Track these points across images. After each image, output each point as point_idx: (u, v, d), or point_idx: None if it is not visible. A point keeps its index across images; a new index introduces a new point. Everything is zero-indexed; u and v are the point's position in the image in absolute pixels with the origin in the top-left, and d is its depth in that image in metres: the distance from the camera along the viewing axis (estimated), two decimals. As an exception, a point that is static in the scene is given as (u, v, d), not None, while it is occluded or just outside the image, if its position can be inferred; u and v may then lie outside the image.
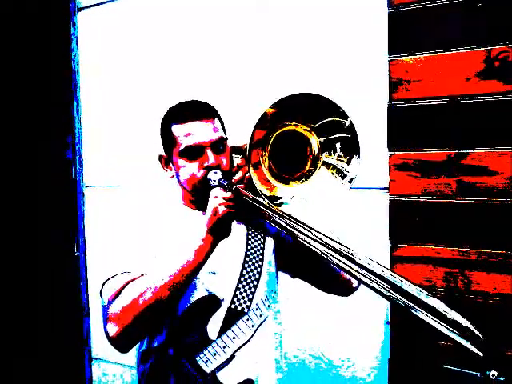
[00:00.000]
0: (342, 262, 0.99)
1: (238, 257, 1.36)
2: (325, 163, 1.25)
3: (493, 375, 0.82)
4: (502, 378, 0.82)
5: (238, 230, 1.38)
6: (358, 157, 1.21)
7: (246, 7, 2.16)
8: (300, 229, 1.08)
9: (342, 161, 1.23)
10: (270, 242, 1.44)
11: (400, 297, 0.89)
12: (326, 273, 1.38)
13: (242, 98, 2.14)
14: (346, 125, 1.19)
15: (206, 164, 1.28)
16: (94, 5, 2.61)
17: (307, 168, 1.26)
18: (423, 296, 0.88)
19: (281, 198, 1.23)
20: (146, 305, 1.15)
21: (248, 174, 1.18)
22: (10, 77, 2.82)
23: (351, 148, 1.21)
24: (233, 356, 1.30)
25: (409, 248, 1.74)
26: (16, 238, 2.89)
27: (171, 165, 1.36)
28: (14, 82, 2.81)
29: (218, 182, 1.24)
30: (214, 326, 1.29)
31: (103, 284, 1.25)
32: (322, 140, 1.24)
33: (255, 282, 1.35)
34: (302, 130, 1.24)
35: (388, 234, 1.78)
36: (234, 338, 1.30)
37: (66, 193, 2.72)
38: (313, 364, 2.09)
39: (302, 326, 2.07)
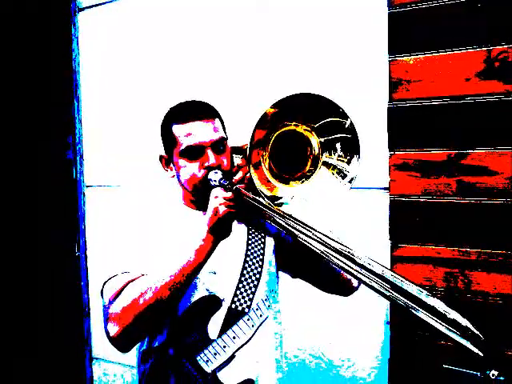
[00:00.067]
0: (342, 261, 0.99)
1: (238, 257, 1.36)
2: (325, 163, 1.25)
3: (493, 375, 0.82)
4: (501, 378, 0.82)
5: (239, 230, 1.38)
6: (359, 157, 1.21)
7: (245, 7, 2.16)
8: (300, 229, 1.08)
9: (343, 161, 1.23)
10: (270, 242, 1.44)
11: (400, 297, 0.89)
12: (327, 273, 1.38)
13: (243, 98, 2.14)
14: (347, 125, 1.19)
15: (206, 164, 1.28)
16: (95, 5, 2.61)
17: (307, 168, 1.27)
18: (423, 296, 0.88)
19: (281, 198, 1.23)
20: (147, 305, 1.15)
21: (248, 174, 1.18)
22: (10, 77, 2.82)
23: (351, 148, 1.21)
24: (233, 356, 1.30)
25: (409, 248, 1.74)
26: (17, 238, 2.89)
27: (172, 165, 1.36)
28: (15, 82, 2.82)
29: (219, 182, 1.24)
30: (214, 326, 1.29)
31: (104, 284, 1.26)
32: (322, 140, 1.24)
33: (255, 282, 1.35)
34: (302, 130, 1.24)
35: (388, 234, 1.78)
36: (234, 337, 1.30)
37: (67, 193, 2.72)
38: (313, 364, 2.09)
39: (303, 326, 2.07)
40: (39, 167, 2.81)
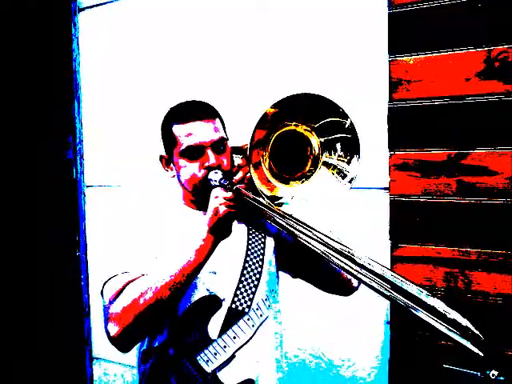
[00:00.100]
0: (342, 261, 0.99)
1: (238, 257, 1.36)
2: (325, 163, 1.25)
3: (493, 375, 0.82)
4: (502, 378, 0.82)
5: (239, 230, 1.38)
6: (359, 157, 1.21)
7: (245, 7, 2.16)
8: (300, 229, 1.08)
9: (343, 161, 1.23)
10: (270, 242, 1.44)
11: (400, 297, 0.90)
12: (327, 272, 1.39)
13: (243, 98, 2.14)
14: (347, 125, 1.19)
15: (206, 164, 1.28)
16: (95, 5, 2.61)
17: (308, 168, 1.27)
18: (423, 296, 0.88)
19: (281, 197, 1.23)
20: (147, 304, 1.15)
21: (249, 174, 1.18)
22: (11, 77, 2.82)
23: (351, 148, 1.21)
24: (233, 356, 1.31)
25: (409, 248, 1.74)
26: (17, 238, 2.89)
27: (172, 165, 1.36)
28: (15, 82, 2.82)
29: (219, 182, 1.24)
30: (214, 326, 1.29)
31: (104, 284, 1.26)
32: (322, 140, 1.24)
33: (256, 282, 1.35)
34: (302, 130, 1.24)
35: (388, 234, 1.78)
36: (234, 337, 1.30)
37: (67, 193, 2.72)
38: (313, 364, 2.09)
39: (303, 326, 2.07)
40: (39, 167, 2.81)
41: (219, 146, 1.30)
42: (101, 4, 2.59)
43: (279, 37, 2.07)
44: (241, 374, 1.32)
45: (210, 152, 1.28)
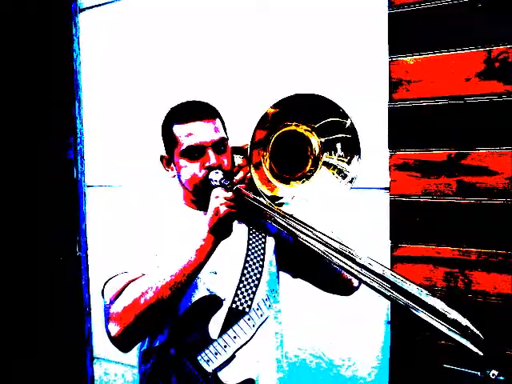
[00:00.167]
0: (342, 261, 0.99)
1: (239, 256, 1.37)
2: (325, 163, 1.25)
3: (493, 374, 0.82)
4: (502, 378, 0.82)
5: (239, 230, 1.38)
6: (359, 157, 1.21)
7: (245, 7, 2.16)
8: (301, 229, 1.08)
9: (343, 161, 1.23)
10: (270, 242, 1.44)
11: (400, 296, 0.90)
12: (327, 272, 1.39)
13: (243, 99, 2.14)
14: (347, 125, 1.19)
15: (207, 164, 1.28)
16: (96, 5, 2.61)
17: (308, 168, 1.27)
18: (423, 295, 0.88)
19: (282, 198, 1.23)
20: (148, 304, 1.15)
21: (249, 174, 1.18)
22: (11, 78, 2.82)
23: (352, 148, 1.21)
24: (234, 355, 1.31)
25: (409, 248, 1.74)
26: (18, 238, 2.89)
27: (172, 165, 1.37)
28: (16, 82, 2.82)
29: (220, 182, 1.25)
30: (215, 326, 1.30)
31: (105, 284, 1.26)
32: (322, 140, 1.24)
33: (256, 282, 1.35)
34: (302, 131, 1.24)
35: (388, 234, 1.78)
36: (235, 337, 1.31)
37: (68, 193, 2.72)
38: (313, 363, 2.09)
39: (303, 326, 2.07)
40: (40, 167, 2.81)
41: (220, 146, 1.31)
42: (101, 4, 2.59)
43: (279, 37, 2.07)
44: (241, 374, 1.32)
45: (210, 152, 1.28)
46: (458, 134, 1.63)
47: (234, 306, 1.32)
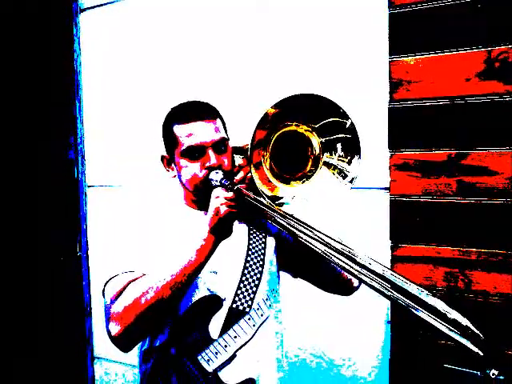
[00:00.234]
0: (342, 261, 0.99)
1: (239, 256, 1.37)
2: (326, 163, 1.26)
3: (493, 374, 0.83)
4: (502, 377, 0.82)
5: (240, 230, 1.38)
6: (359, 157, 1.21)
7: (245, 7, 2.16)
8: (301, 228, 1.08)
9: (343, 161, 1.24)
10: (271, 242, 1.44)
11: (401, 296, 0.90)
12: (327, 272, 1.39)
13: (244, 99, 2.15)
14: (347, 125, 1.20)
15: (207, 164, 1.28)
16: (97, 6, 2.61)
17: (308, 168, 1.27)
18: (423, 295, 0.88)
19: (282, 197, 1.23)
20: (148, 304, 1.15)
21: (249, 174, 1.18)
22: (12, 78, 2.83)
23: (352, 148, 1.22)
24: (234, 355, 1.31)
25: (409, 248, 1.74)
26: (19, 238, 2.90)
27: (173, 165, 1.37)
28: (17, 83, 2.82)
29: (220, 182, 1.25)
30: (215, 326, 1.30)
31: (105, 283, 1.26)
32: (323, 140, 1.25)
33: (256, 282, 1.36)
34: (303, 131, 1.25)
35: (388, 234, 1.78)
36: (235, 337, 1.31)
37: (69, 193, 2.73)
38: (314, 363, 2.10)
39: (303, 325, 2.07)
40: (41, 167, 2.82)
41: (220, 146, 1.31)
42: (102, 5, 2.59)
43: (279, 37, 2.08)
44: (242, 374, 1.32)
45: (210, 152, 1.28)
46: (458, 134, 1.63)
47: (234, 305, 1.32)
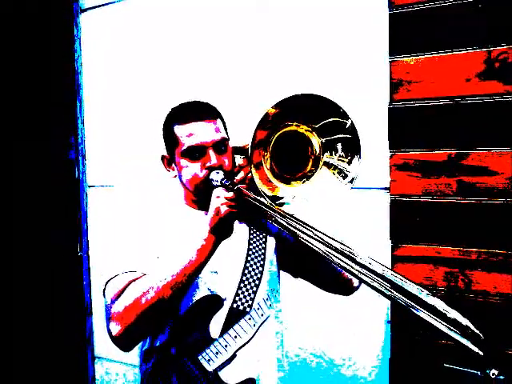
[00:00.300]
0: (343, 261, 0.99)
1: (239, 256, 1.37)
2: (326, 163, 1.26)
3: (493, 374, 0.83)
4: (502, 377, 0.82)
5: (240, 230, 1.39)
6: (359, 157, 1.21)
7: (245, 7, 2.16)
8: (301, 228, 1.08)
9: (343, 161, 1.24)
10: (271, 242, 1.44)
11: (401, 296, 0.90)
12: (327, 272, 1.39)
13: (244, 99, 2.15)
14: (347, 125, 1.20)
15: (208, 164, 1.28)
16: (97, 6, 2.62)
17: (308, 168, 1.27)
18: (424, 295, 0.88)
19: (282, 197, 1.24)
20: (149, 304, 1.16)
21: (250, 174, 1.18)
22: (13, 78, 2.83)
23: (352, 148, 1.22)
24: (235, 355, 1.31)
25: (409, 248, 1.74)
26: (19, 238, 2.90)
27: (173, 165, 1.37)
28: (17, 83, 2.82)
29: (220, 182, 1.25)
30: (216, 325, 1.30)
31: (106, 283, 1.26)
32: (323, 140, 1.25)
33: (257, 282, 1.36)
34: (303, 131, 1.25)
35: (389, 234, 1.78)
36: (235, 336, 1.31)
37: (69, 193, 2.73)
38: (314, 363, 2.10)
39: (304, 325, 2.08)
40: (42, 167, 2.82)
41: (220, 146, 1.31)
42: (103, 5, 2.60)
43: (280, 37, 2.08)
44: (242, 373, 1.32)
45: (211, 152, 1.29)
46: (458, 134, 1.64)
47: (234, 305, 1.32)
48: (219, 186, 1.24)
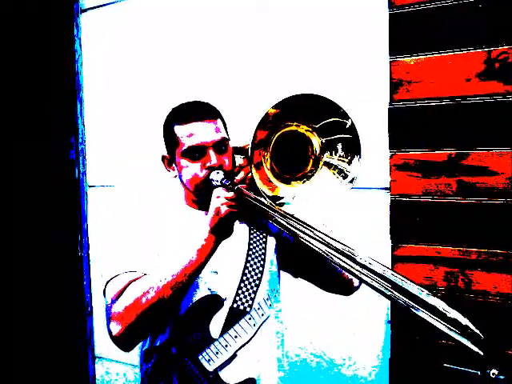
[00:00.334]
0: (343, 261, 1.00)
1: (240, 256, 1.37)
2: (326, 163, 1.26)
3: (493, 374, 0.83)
4: (502, 377, 0.83)
5: (240, 230, 1.39)
6: (359, 157, 1.21)
7: (245, 7, 2.17)
8: (301, 228, 1.09)
9: (344, 161, 1.24)
10: (271, 242, 1.44)
11: (401, 296, 0.90)
12: (328, 272, 1.39)
13: (244, 99, 2.15)
14: (348, 125, 1.20)
15: (208, 164, 1.28)
16: (98, 6, 2.62)
17: (309, 168, 1.27)
18: (424, 295, 0.88)
19: (282, 197, 1.24)
20: (149, 304, 1.16)
21: (250, 174, 1.19)
22: (13, 79, 2.83)
23: (352, 148, 1.22)
24: (235, 355, 1.31)
25: (410, 248, 1.74)
26: (19, 238, 2.90)
27: (174, 165, 1.37)
28: (18, 83, 2.82)
29: (221, 182, 1.25)
30: (216, 325, 1.30)
31: (106, 283, 1.26)
32: (323, 140, 1.25)
33: (257, 282, 1.36)
34: (303, 131, 1.25)
35: (389, 234, 1.79)
36: (236, 336, 1.31)
37: (70, 193, 2.73)
38: (314, 363, 2.10)
39: (304, 325, 2.08)
40: (42, 167, 2.82)
41: (221, 146, 1.31)
42: (103, 5, 2.60)
43: (280, 37, 2.08)
44: (242, 373, 1.32)
45: (211, 152, 1.29)
46: (458, 134, 1.64)
47: (235, 305, 1.32)
48: (219, 186, 1.24)
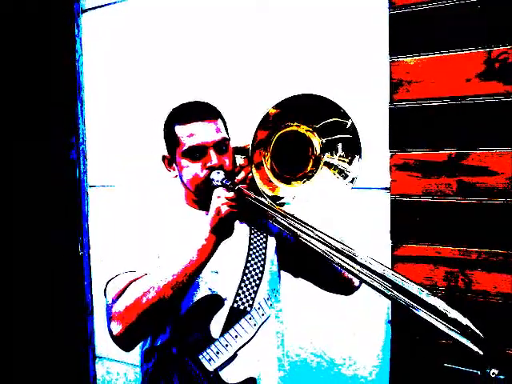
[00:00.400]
0: (343, 261, 1.00)
1: (240, 256, 1.37)
2: (326, 163, 1.26)
3: (493, 373, 0.83)
4: (502, 377, 0.83)
5: (241, 230, 1.39)
6: (360, 157, 1.22)
7: (245, 7, 2.17)
8: (302, 228, 1.09)
9: (344, 161, 1.24)
10: (272, 242, 1.45)
11: (401, 296, 0.90)
12: (328, 272, 1.39)
13: (245, 99, 2.15)
14: (348, 125, 1.20)
15: (208, 164, 1.28)
16: (98, 6, 2.62)
17: (309, 168, 1.27)
18: (424, 295, 0.89)
19: (283, 197, 1.24)
20: (150, 304, 1.16)
21: (250, 174, 1.19)
22: (14, 79, 2.83)
23: (353, 148, 1.22)
24: (235, 354, 1.31)
25: (410, 247, 1.75)
26: (20, 238, 2.90)
27: (174, 165, 1.37)
28: (18, 83, 2.82)
29: (221, 182, 1.25)
30: (216, 325, 1.30)
31: (107, 283, 1.26)
32: (323, 140, 1.25)
33: (258, 281, 1.36)
34: (303, 131, 1.25)
35: (389, 234, 1.79)
36: (236, 336, 1.31)
37: (70, 193, 2.73)
38: (314, 362, 2.10)
39: (304, 325, 2.08)
40: (42, 167, 2.82)
41: (221, 146, 1.31)
42: (104, 5, 2.60)
43: (280, 37, 2.08)
44: (243, 373, 1.32)
45: (212, 152, 1.29)
46: (458, 135, 1.64)
47: (235, 305, 1.32)
48: (220, 185, 1.24)
